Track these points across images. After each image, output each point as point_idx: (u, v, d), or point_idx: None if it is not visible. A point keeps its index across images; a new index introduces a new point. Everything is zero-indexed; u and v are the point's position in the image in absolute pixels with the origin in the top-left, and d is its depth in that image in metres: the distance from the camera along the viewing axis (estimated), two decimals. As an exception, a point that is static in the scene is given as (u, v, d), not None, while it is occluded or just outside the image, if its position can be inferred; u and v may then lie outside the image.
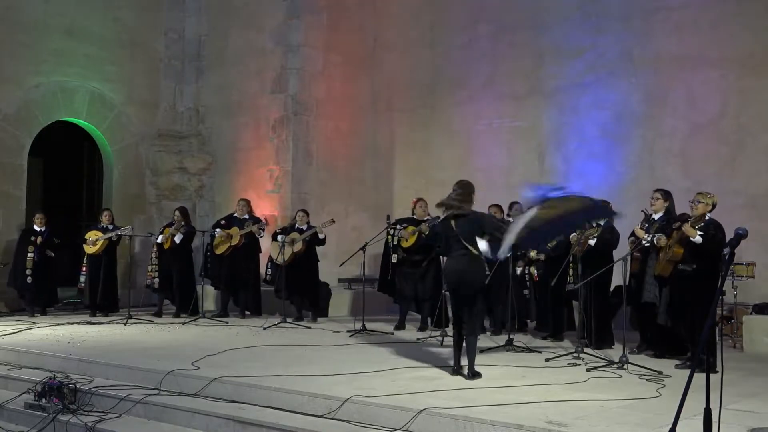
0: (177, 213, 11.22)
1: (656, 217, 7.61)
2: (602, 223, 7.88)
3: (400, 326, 9.77)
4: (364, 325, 9.24)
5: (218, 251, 10.98)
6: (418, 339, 8.75)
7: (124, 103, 13.21)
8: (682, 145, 10.63)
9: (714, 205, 6.96)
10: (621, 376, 6.49)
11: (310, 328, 9.89)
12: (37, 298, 11.05)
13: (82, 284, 11.01)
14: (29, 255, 10.92)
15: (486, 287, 6.59)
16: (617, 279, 7.95)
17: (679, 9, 10.69)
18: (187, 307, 10.98)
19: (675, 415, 3.70)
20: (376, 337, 8.93)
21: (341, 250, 11.31)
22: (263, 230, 11.07)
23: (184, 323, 10.24)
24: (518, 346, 7.88)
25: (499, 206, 9.48)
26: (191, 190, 13.61)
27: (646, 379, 6.33)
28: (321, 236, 10.57)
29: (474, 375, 6.25)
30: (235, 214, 11.18)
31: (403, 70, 13.18)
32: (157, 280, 11.10)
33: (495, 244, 6.44)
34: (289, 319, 10.18)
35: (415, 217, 9.86)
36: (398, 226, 9.86)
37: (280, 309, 10.35)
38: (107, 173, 13.30)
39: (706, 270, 6.82)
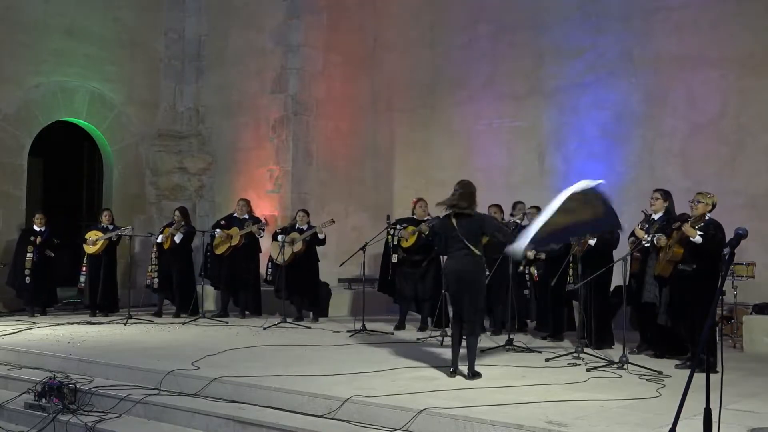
0: (177, 213, 11.21)
1: (656, 217, 7.61)
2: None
3: (400, 326, 9.77)
4: (364, 325, 9.24)
5: (218, 251, 10.98)
6: (418, 339, 8.75)
7: (124, 103, 13.21)
8: (682, 145, 10.64)
9: (714, 205, 6.96)
10: (621, 376, 6.49)
11: (310, 328, 9.89)
12: (35, 298, 11.04)
13: (82, 284, 11.01)
14: (28, 255, 10.92)
15: (486, 287, 6.59)
16: (617, 279, 7.95)
17: (679, 9, 10.69)
18: (187, 307, 10.98)
19: (675, 415, 3.70)
20: (376, 337, 8.93)
21: (341, 250, 11.31)
22: (263, 230, 11.07)
23: (184, 323, 10.23)
24: (518, 346, 7.88)
25: (498, 206, 9.48)
26: (191, 190, 13.61)
27: (646, 379, 6.33)
28: (321, 236, 10.57)
29: (474, 375, 6.25)
30: (235, 214, 11.18)
31: (403, 70, 13.18)
32: (156, 280, 11.11)
33: (496, 245, 6.45)
34: (289, 319, 10.18)
35: (415, 217, 9.86)
36: (398, 226, 9.86)
37: (280, 309, 10.35)
38: (107, 173, 13.30)
39: (706, 270, 6.82)
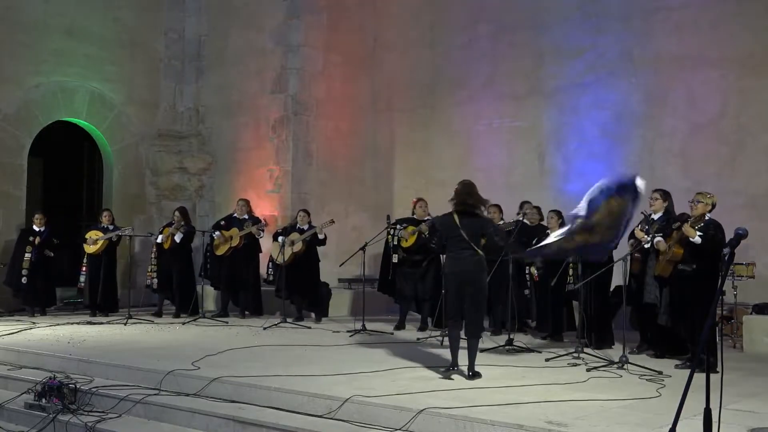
0: (177, 213, 11.21)
1: (655, 217, 7.61)
2: None
3: (400, 326, 9.77)
4: (364, 325, 9.24)
5: (218, 252, 10.98)
6: (418, 339, 8.76)
7: (124, 103, 13.21)
8: (682, 145, 10.64)
9: (714, 205, 6.96)
10: (621, 376, 6.49)
11: (310, 328, 9.89)
12: (33, 298, 11.04)
13: (82, 284, 11.02)
14: (26, 255, 10.91)
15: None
16: (617, 279, 7.94)
17: (679, 9, 10.69)
18: (187, 307, 10.98)
19: (675, 415, 3.70)
20: (376, 337, 8.93)
21: (341, 250, 11.31)
22: (263, 231, 11.07)
23: (184, 323, 10.23)
24: (518, 346, 7.88)
25: (498, 206, 9.47)
26: (191, 190, 13.61)
27: (646, 379, 6.33)
28: (321, 236, 10.57)
29: (474, 375, 6.25)
30: (235, 215, 11.18)
31: (403, 70, 13.18)
32: (156, 280, 11.11)
33: (491, 247, 6.49)
34: (289, 319, 10.18)
35: (415, 217, 9.87)
36: (398, 226, 9.86)
37: (280, 309, 10.34)
38: (107, 173, 13.30)
39: (706, 270, 6.82)
